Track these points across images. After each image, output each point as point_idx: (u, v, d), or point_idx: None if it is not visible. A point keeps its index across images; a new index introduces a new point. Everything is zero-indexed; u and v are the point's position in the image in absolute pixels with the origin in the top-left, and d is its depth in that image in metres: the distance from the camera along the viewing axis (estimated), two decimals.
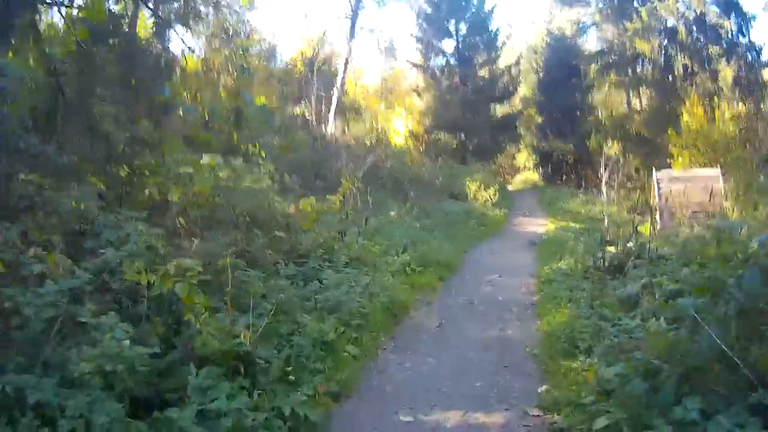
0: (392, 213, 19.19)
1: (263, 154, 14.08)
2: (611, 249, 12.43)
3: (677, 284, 8.23)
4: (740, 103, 29.15)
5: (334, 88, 29.74)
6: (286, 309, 8.17)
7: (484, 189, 28.37)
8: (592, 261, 12.29)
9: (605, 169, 22.48)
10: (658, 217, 23.84)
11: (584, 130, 40.02)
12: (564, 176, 41.55)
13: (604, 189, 20.88)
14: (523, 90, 46.84)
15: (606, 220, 18.39)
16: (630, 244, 12.40)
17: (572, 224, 24.63)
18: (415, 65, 43.31)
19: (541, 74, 44.60)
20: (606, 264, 11.37)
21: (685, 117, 28.18)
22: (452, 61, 42.29)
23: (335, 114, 28.26)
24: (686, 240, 11.64)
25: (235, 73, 27.73)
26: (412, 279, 12.72)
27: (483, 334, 9.45)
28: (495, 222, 25.72)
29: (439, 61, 42.66)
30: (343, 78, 31.82)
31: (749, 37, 33.27)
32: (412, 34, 42.76)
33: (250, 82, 29.51)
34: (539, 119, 44.24)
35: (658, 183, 23.96)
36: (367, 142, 30.34)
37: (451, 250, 17.06)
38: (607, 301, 9.29)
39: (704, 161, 26.28)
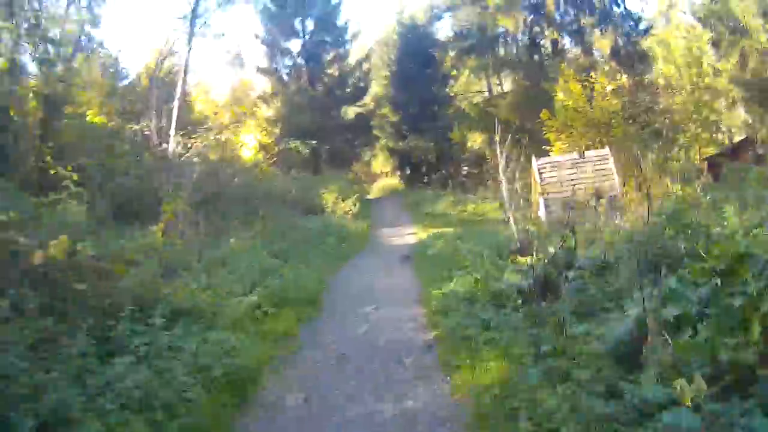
0: (232, 240, 15.70)
1: (74, 178, 9.99)
2: (522, 260, 9.57)
3: (704, 324, 4.95)
4: (621, 76, 27.52)
5: (174, 101, 25.83)
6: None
7: (342, 200, 25.45)
8: (506, 281, 9.40)
9: (504, 161, 19.74)
10: (542, 210, 21.95)
11: (444, 124, 38.02)
12: (426, 177, 39.37)
13: (504, 184, 18.04)
14: (376, 88, 44.73)
15: (510, 220, 15.09)
16: (551, 250, 9.52)
17: (446, 229, 22.27)
18: (261, 69, 40.04)
19: (393, 68, 42.23)
20: (532, 283, 8.40)
21: (560, 96, 26.13)
22: (300, 61, 39.64)
23: (176, 129, 24.27)
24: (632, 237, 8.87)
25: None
26: (263, 327, 9.53)
27: (371, 412, 6.40)
28: (358, 236, 23.04)
29: (286, 63, 39.97)
30: (183, 87, 27.88)
31: (624, 6, 32.05)
32: (257, 36, 39.60)
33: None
34: (395, 117, 41.88)
35: (539, 172, 22.01)
36: (212, 157, 26.64)
37: (312, 278, 14.10)
38: (567, 347, 6.18)
39: (585, 143, 24.36)
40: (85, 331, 6.58)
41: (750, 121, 31.69)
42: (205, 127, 27.30)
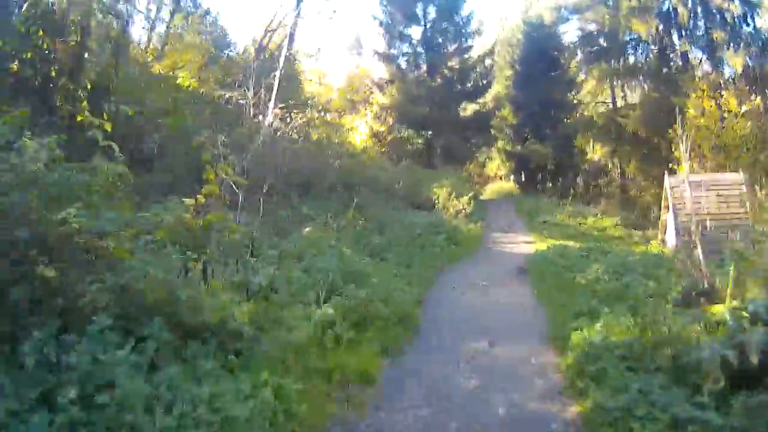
0: (307, 230, 13.06)
1: (107, 128, 7.28)
2: (717, 309, 6.19)
3: None
4: (756, 97, 23.42)
5: (277, 71, 23.57)
6: None
7: (456, 197, 22.41)
8: (702, 347, 5.64)
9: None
10: (669, 233, 18.80)
11: (567, 131, 34.35)
12: (543, 184, 35.79)
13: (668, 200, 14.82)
14: (497, 87, 41.07)
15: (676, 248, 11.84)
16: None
17: (566, 242, 19.13)
18: (378, 54, 36.95)
19: (517, 67, 38.66)
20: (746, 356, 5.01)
21: (691, 112, 23.02)
22: (419, 49, 36.44)
23: (277, 103, 21.95)
24: None
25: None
26: (333, 359, 6.68)
27: None
28: (470, 239, 20.05)
29: (404, 50, 36.75)
30: (287, 56, 25.58)
31: (755, 25, 27.77)
32: (375, 17, 36.67)
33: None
34: (514, 119, 38.40)
35: (671, 191, 18.66)
36: (314, 137, 24.29)
37: (410, 287, 11.35)
38: None
39: (712, 165, 21.85)
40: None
41: None
42: (310, 103, 24.63)
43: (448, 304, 11.26)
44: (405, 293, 10.45)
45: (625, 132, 28.33)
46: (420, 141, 35.73)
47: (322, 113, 30.10)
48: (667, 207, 19.77)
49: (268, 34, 30.50)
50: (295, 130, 22.48)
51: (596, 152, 36.55)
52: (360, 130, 33.68)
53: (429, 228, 18.19)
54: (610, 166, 33.69)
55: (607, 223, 24.42)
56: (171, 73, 21.88)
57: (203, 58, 26.12)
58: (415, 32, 36.55)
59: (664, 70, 29.56)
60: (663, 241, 20.45)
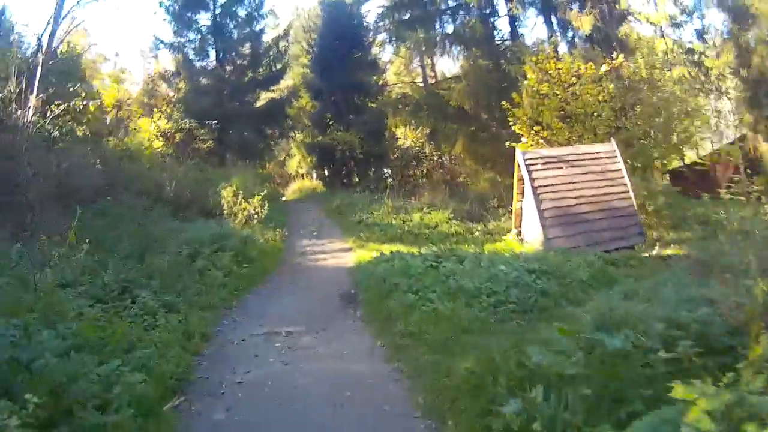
0: None
1: None
2: None
3: None
4: (609, 61, 19.76)
5: (38, 55, 16.90)
6: None
7: (245, 198, 16.68)
8: None
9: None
10: (527, 224, 15.69)
11: (374, 116, 29.74)
12: (351, 178, 30.88)
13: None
14: (294, 77, 35.59)
15: None
16: None
17: (397, 247, 14.40)
18: (163, 43, 30.42)
19: (315, 50, 33.28)
20: None
21: (531, 79, 18.95)
22: (208, 36, 30.36)
23: (37, 93, 15.20)
24: None
25: None
26: None
27: None
28: (268, 253, 14.77)
29: (191, 37, 30.36)
30: (51, 36, 18.60)
31: None
32: (161, 4, 29.82)
33: None
34: (314, 106, 33.26)
35: (528, 168, 14.50)
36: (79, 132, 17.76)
37: (159, 362, 6.11)
38: None
39: (562, 139, 18.13)
40: None
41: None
42: (83, 96, 17.74)
43: (231, 385, 5.96)
44: (139, 387, 4.95)
45: (448, 108, 24.01)
46: (209, 136, 29.60)
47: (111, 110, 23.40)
48: (522, 192, 15.79)
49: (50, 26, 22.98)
50: (56, 126, 15.90)
51: (408, 137, 32.41)
52: (150, 131, 26.81)
53: (211, 243, 12.55)
54: (427, 151, 29.20)
55: (438, 217, 19.76)
56: None
57: None
58: (204, 19, 30.53)
59: (494, 34, 25.88)
60: (519, 233, 16.28)
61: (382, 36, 30.22)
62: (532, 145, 17.95)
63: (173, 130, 28.06)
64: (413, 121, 27.27)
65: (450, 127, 24.83)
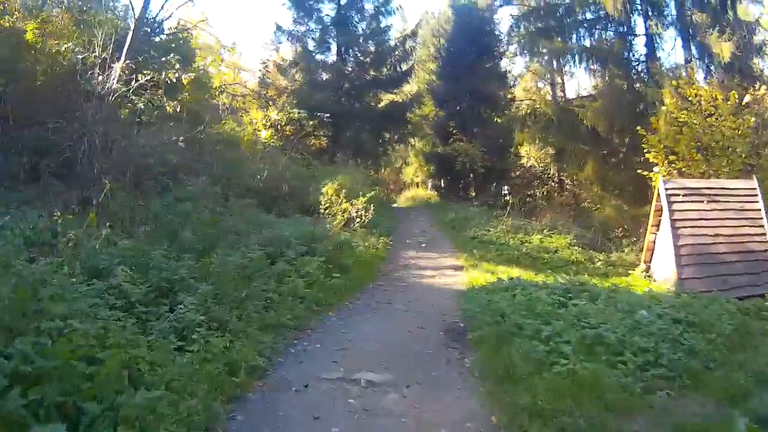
0: None
1: None
2: None
3: None
4: (753, 90, 16.68)
5: (131, 18, 15.74)
6: None
7: (346, 198, 14.44)
8: None
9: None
10: (660, 260, 13.32)
11: (499, 130, 27.17)
12: (468, 191, 28.36)
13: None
14: (418, 81, 33.26)
15: None
16: None
17: (516, 271, 11.93)
18: (281, 30, 28.27)
19: (443, 55, 31.01)
20: None
21: (669, 103, 17.19)
22: (330, 27, 28.30)
23: (126, 60, 13.93)
24: None
25: None
26: None
27: None
28: (366, 263, 12.49)
29: (312, 27, 28.35)
30: (146, 2, 17.21)
31: (735, 12, 21.01)
32: None
33: None
34: (437, 114, 31.00)
35: (668, 199, 11.65)
36: (169, 108, 16.31)
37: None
38: None
39: (697, 171, 15.93)
40: None
41: None
42: (177, 67, 16.14)
43: None
44: None
45: (580, 128, 21.20)
46: (323, 132, 27.89)
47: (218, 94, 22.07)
48: (657, 224, 13.64)
49: None
50: (143, 98, 14.43)
51: (532, 155, 29.62)
52: (260, 121, 25.24)
53: (300, 244, 10.46)
54: (552, 171, 26.21)
55: (558, 242, 17.26)
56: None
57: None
58: (328, 9, 28.43)
59: (631, 53, 22.81)
60: (648, 269, 13.57)
61: (513, 48, 27.96)
62: (665, 176, 15.11)
63: (283, 122, 26.55)
64: (540, 139, 24.48)
65: (580, 148, 21.98)
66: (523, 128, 25.06)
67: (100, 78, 13.64)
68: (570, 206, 23.48)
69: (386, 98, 30.13)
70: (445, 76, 29.75)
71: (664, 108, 17.49)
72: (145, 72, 14.74)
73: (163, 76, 14.77)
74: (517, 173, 28.61)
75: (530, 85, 33.22)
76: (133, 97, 14.13)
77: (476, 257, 14.63)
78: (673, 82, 17.64)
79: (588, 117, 20.29)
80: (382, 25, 29.00)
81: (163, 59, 16.35)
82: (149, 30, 18.84)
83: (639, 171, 17.10)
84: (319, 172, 20.05)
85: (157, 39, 18.69)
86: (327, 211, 13.99)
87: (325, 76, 28.43)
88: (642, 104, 20.19)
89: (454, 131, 26.30)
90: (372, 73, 28.96)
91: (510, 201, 21.57)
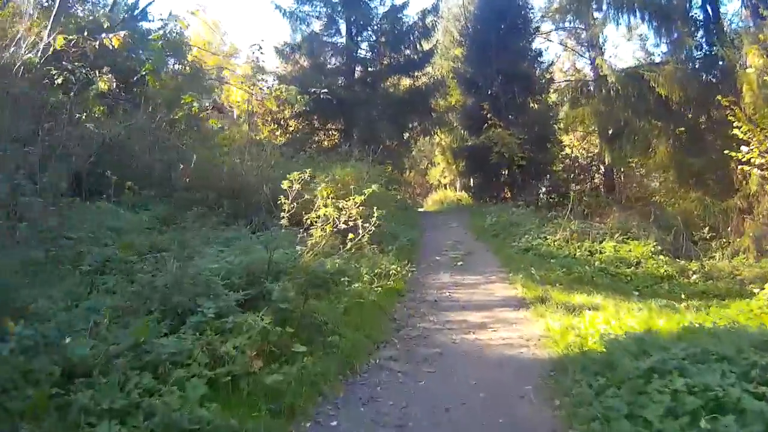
0: None
1: None
2: None
3: None
4: None
5: None
6: None
7: (336, 197, 8.92)
8: None
9: None
10: None
11: (540, 115, 21.91)
12: (506, 190, 22.89)
13: None
14: (442, 65, 27.81)
15: None
16: None
17: (598, 299, 7.44)
18: (280, 9, 22.89)
19: (470, 32, 25.44)
20: None
21: (756, 64, 12.74)
22: (337, 4, 22.97)
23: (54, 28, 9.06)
24: None
25: None
26: None
27: None
28: (365, 308, 7.01)
29: (316, 2, 23.04)
30: None
31: None
32: None
33: None
34: (465, 102, 25.66)
35: None
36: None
37: None
38: None
39: None
40: None
41: None
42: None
43: None
44: None
45: (647, 100, 15.69)
46: (334, 126, 22.84)
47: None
48: None
49: None
50: (63, 72, 9.64)
51: (574, 145, 24.11)
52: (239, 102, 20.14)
53: (243, 284, 5.38)
54: (606, 160, 19.97)
55: (637, 250, 12.01)
56: None
57: None
58: None
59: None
60: None
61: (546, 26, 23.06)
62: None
63: (286, 115, 21.60)
64: (596, 118, 18.50)
65: (648, 127, 16.35)
66: (575, 105, 19.44)
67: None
68: (642, 202, 17.58)
69: (405, 84, 24.77)
70: (473, 57, 24.30)
71: (751, 70, 12.75)
72: (66, 37, 9.80)
73: (97, 42, 9.92)
74: (561, 166, 23.03)
75: (568, 66, 27.94)
76: (54, 71, 9.43)
77: (536, 280, 9.41)
78: (761, 36, 12.68)
79: (660, 83, 14.69)
80: (398, 2, 23.74)
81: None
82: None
83: (727, 152, 12.09)
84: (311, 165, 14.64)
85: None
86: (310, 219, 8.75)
87: (334, 61, 23.36)
88: (713, 72, 14.89)
89: (488, 116, 20.81)
90: (390, 55, 23.71)
91: (572, 198, 15.88)
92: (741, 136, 11.78)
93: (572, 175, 22.46)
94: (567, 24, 22.19)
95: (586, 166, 22.96)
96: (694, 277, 11.07)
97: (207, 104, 17.02)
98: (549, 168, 22.63)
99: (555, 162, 22.82)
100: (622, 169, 20.83)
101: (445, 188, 33.46)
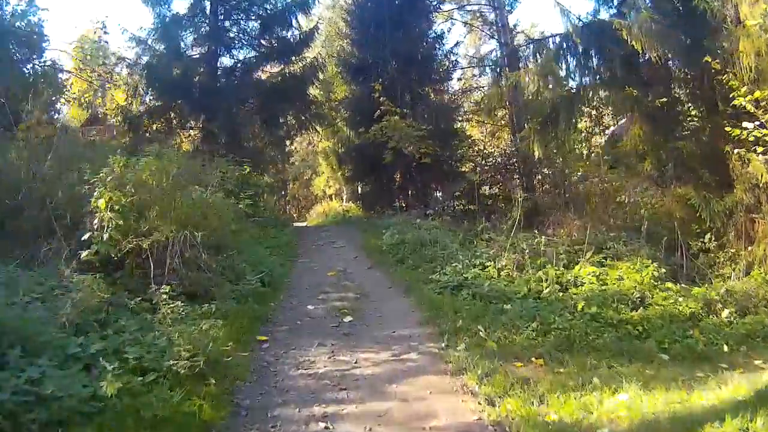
0: None
1: None
2: None
3: None
4: None
5: None
6: None
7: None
8: None
9: None
10: None
11: (445, 105, 17.29)
12: (403, 197, 17.90)
13: None
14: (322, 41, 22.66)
15: None
16: None
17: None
18: None
19: (357, 10, 19.89)
20: None
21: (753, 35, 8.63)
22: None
23: None
24: None
25: None
26: None
27: None
28: None
29: None
30: None
31: None
32: None
33: None
34: (352, 92, 20.44)
35: None
36: None
37: None
38: None
39: None
40: None
41: None
42: None
43: None
44: None
45: (614, 62, 10.89)
46: (193, 121, 17.24)
47: None
48: None
49: None
50: None
51: (485, 141, 19.49)
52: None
53: None
54: (537, 153, 14.52)
55: (633, 278, 7.25)
56: None
57: None
58: None
59: None
60: None
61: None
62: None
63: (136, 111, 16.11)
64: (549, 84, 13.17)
65: (624, 94, 11.37)
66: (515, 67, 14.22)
67: None
68: (607, 202, 12.05)
69: (277, 71, 19.18)
70: (362, 39, 19.09)
71: (752, 22, 8.73)
72: None
73: None
74: (474, 164, 18.18)
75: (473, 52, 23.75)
76: None
77: (494, 353, 4.52)
78: None
79: (634, 34, 9.93)
80: None
81: None
82: None
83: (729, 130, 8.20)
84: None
85: None
86: None
87: (198, 48, 17.70)
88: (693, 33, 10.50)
89: (381, 100, 15.68)
90: (264, 37, 18.17)
91: (517, 203, 10.55)
92: (748, 107, 7.92)
93: (488, 177, 17.63)
94: None
95: (505, 164, 18.11)
96: (726, 312, 6.66)
97: None
98: (456, 168, 17.84)
99: (463, 161, 18.10)
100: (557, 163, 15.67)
101: (331, 199, 28.48)
